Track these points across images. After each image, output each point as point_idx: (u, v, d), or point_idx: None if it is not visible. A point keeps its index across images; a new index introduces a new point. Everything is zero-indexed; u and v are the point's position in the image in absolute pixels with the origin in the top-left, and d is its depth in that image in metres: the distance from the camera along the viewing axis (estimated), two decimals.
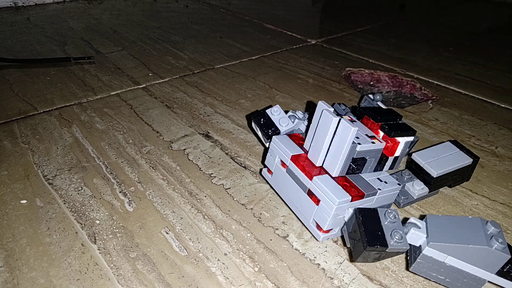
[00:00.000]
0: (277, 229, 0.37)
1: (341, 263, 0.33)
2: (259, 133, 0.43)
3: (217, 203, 0.39)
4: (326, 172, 0.35)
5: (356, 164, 0.34)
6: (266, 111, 0.43)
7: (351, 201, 0.32)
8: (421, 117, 0.58)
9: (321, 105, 0.34)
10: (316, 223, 0.34)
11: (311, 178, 0.34)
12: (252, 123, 0.44)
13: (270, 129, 0.42)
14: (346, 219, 0.33)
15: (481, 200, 0.42)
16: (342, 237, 0.35)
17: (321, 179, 0.33)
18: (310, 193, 0.34)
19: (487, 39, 1.01)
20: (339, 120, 0.33)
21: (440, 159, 0.40)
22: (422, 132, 0.54)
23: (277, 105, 0.43)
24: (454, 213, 0.40)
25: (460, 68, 0.78)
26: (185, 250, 0.34)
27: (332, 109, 0.34)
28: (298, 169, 0.35)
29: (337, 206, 0.32)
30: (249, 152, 0.48)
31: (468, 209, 0.41)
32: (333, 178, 0.34)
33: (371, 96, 0.47)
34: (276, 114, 0.43)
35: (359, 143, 0.33)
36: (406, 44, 0.91)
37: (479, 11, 1.33)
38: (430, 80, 0.71)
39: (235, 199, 0.40)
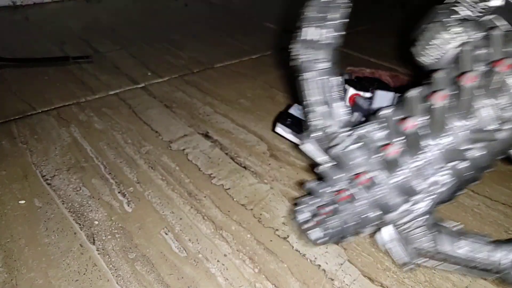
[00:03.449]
0: (277, 230, 0.36)
1: (341, 264, 0.33)
2: (292, 137, 0.45)
3: (216, 203, 0.39)
4: None
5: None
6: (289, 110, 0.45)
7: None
8: None
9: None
10: None
11: None
12: (278, 127, 0.46)
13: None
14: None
15: (482, 200, 0.42)
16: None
17: None
18: None
19: None
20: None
21: None
22: None
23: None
24: (455, 214, 0.40)
25: None
26: (184, 251, 0.34)
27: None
28: None
29: None
30: (249, 152, 0.48)
31: (469, 210, 0.40)
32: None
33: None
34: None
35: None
36: (407, 43, 0.90)
37: None
38: None
39: (235, 199, 0.40)
